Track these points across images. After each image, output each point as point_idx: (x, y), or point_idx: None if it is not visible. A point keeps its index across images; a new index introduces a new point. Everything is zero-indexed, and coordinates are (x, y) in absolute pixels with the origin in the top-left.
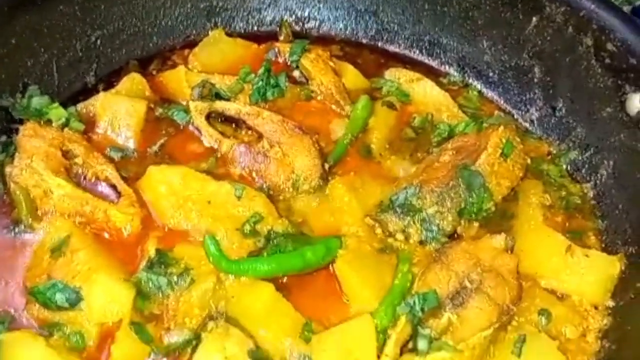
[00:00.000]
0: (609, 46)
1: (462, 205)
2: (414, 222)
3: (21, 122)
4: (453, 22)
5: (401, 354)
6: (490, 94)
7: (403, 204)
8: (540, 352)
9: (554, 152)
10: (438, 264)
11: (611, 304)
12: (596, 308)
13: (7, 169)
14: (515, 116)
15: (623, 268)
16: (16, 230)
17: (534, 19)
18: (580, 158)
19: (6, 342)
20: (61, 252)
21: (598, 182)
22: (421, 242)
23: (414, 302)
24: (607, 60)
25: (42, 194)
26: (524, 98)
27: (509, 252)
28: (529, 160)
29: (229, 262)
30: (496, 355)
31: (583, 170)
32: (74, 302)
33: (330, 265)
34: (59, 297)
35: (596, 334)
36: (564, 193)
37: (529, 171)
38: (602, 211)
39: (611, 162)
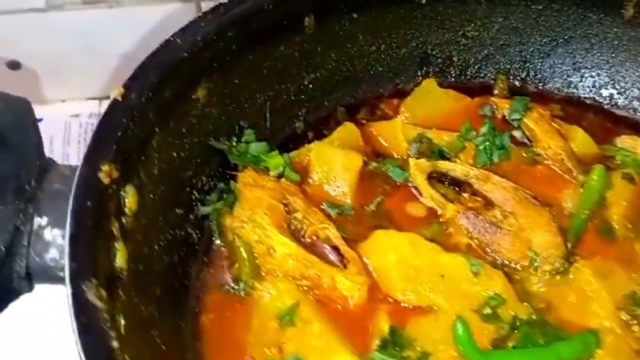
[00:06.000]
0: None
1: None
2: None
3: (234, 168)
4: None
5: None
6: None
7: None
8: None
9: None
10: None
11: None
12: None
13: (228, 220)
14: None
15: None
16: (236, 288)
17: None
18: None
19: None
20: (291, 321)
21: None
22: None
23: None
24: None
25: (265, 252)
26: None
27: None
28: None
29: (479, 351)
30: None
31: None
32: None
33: None
34: None
35: None
36: None
37: None
38: None
39: None
